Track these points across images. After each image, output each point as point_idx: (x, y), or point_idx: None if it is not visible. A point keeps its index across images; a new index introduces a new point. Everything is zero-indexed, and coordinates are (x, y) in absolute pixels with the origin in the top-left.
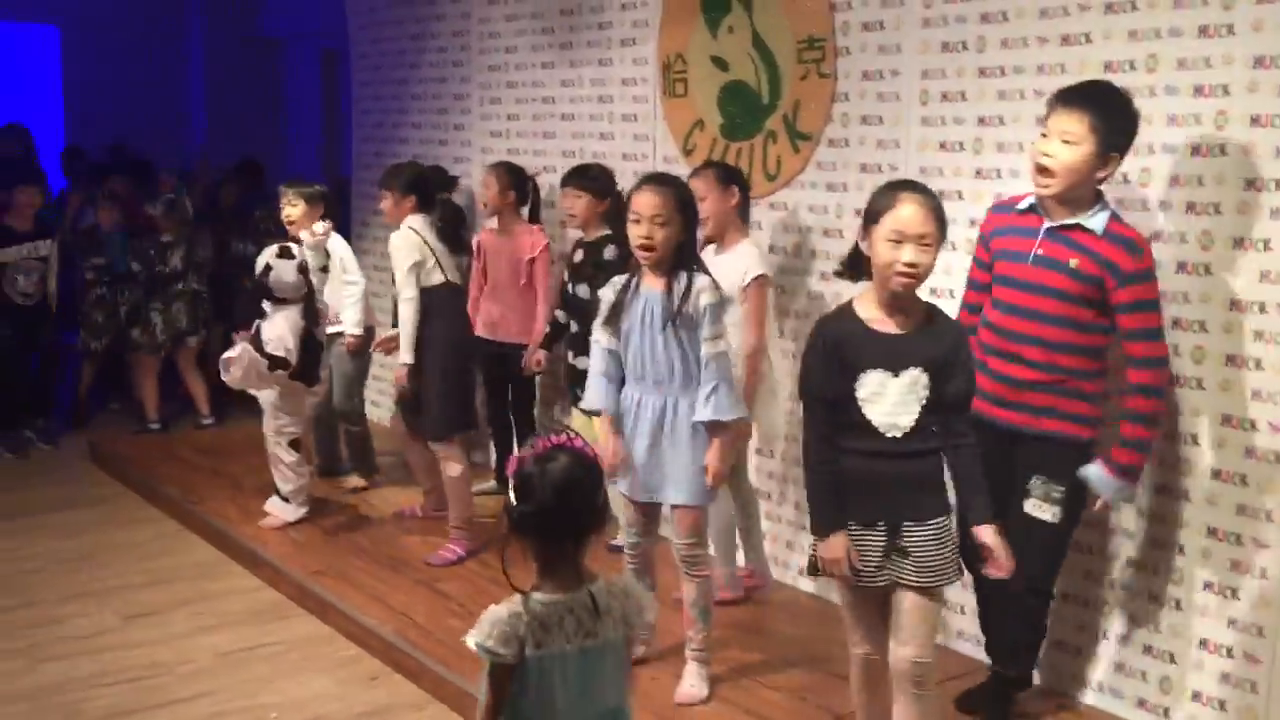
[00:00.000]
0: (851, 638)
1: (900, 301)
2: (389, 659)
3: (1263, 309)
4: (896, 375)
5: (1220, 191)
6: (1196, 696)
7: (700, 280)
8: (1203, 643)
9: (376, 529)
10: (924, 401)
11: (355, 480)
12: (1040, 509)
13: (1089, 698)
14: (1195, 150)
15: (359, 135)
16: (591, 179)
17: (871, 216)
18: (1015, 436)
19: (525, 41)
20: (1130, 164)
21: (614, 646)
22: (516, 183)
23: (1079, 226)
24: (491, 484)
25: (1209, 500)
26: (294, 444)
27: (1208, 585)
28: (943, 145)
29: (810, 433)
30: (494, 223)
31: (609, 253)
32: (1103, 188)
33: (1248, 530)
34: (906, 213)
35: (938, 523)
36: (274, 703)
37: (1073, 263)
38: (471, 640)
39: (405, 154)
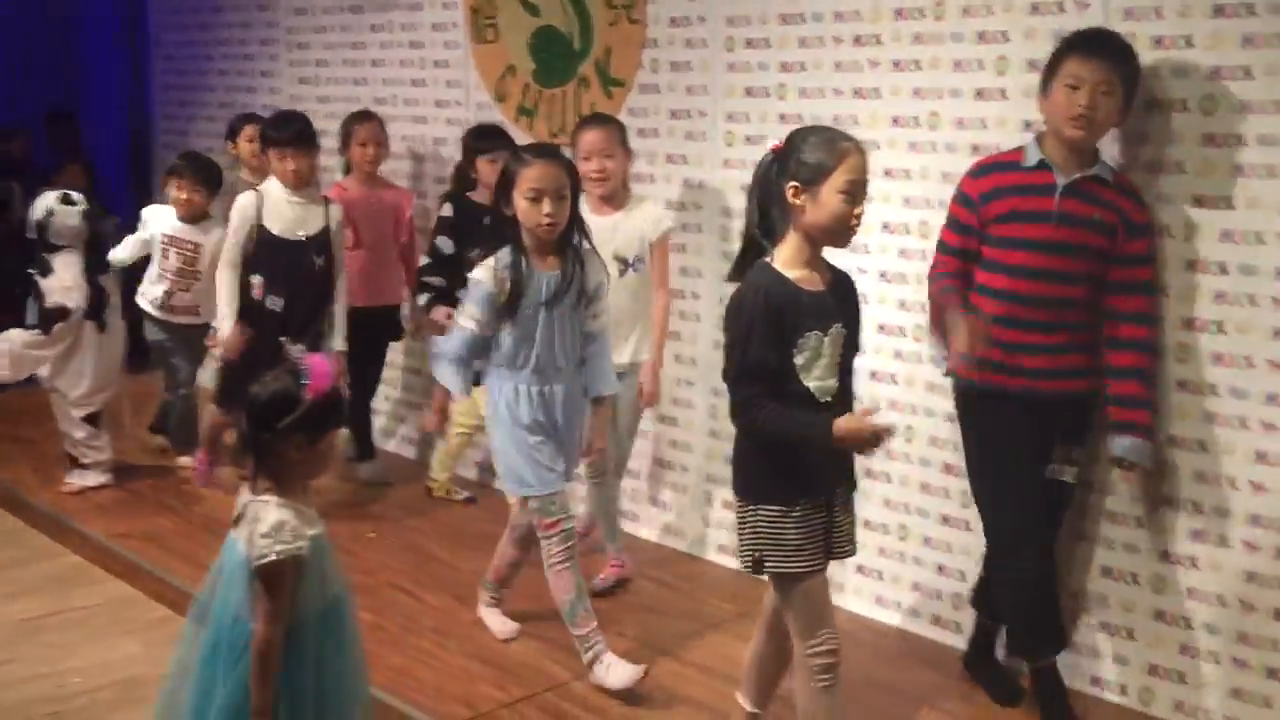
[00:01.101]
0: (816, 637)
1: (820, 256)
2: None
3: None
4: (826, 335)
5: (1001, 134)
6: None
7: (593, 258)
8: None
9: (186, 489)
10: (840, 360)
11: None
12: (1063, 473)
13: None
14: (978, 94)
15: (160, 82)
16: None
17: (813, 173)
18: (1042, 404)
19: None
20: (920, 107)
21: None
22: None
23: (1095, 179)
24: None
25: None
26: (91, 418)
27: (1165, 555)
28: (749, 91)
29: (755, 412)
30: (352, 179)
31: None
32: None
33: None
34: (858, 162)
35: (851, 487)
36: (78, 667)
37: (1096, 216)
38: (273, 550)
39: (210, 102)
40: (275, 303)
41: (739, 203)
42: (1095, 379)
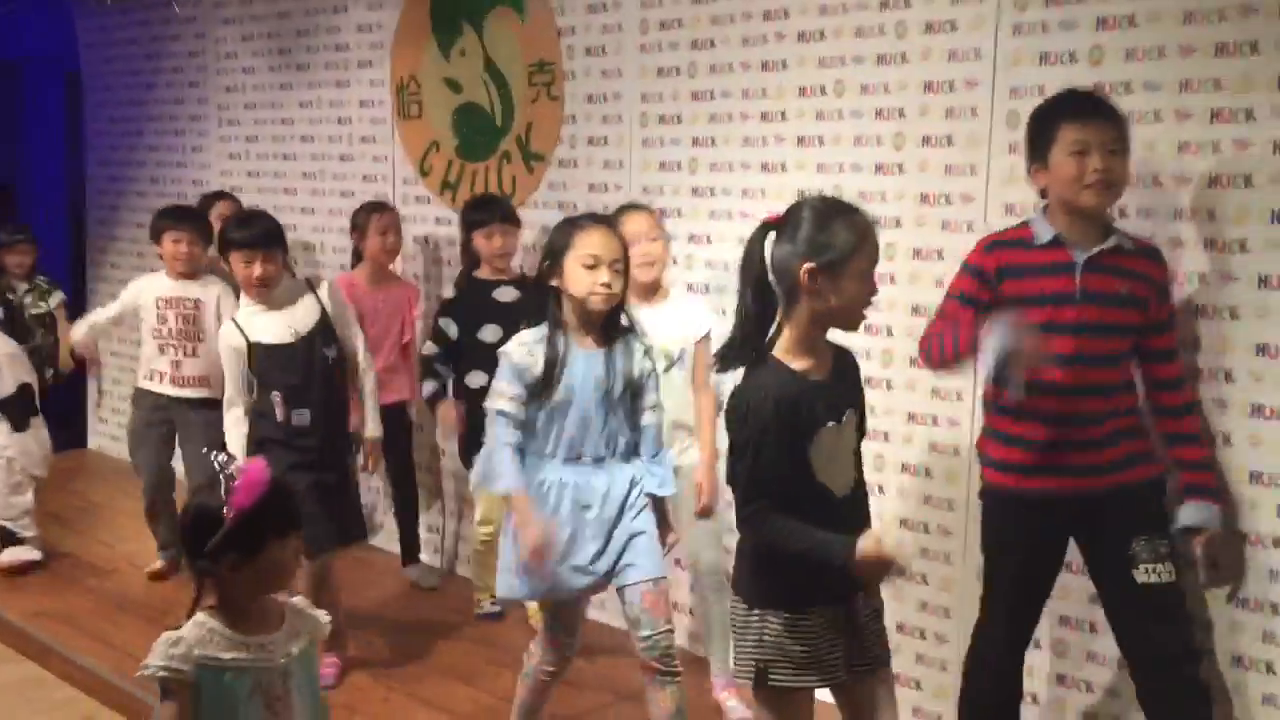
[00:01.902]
0: None
1: (824, 339)
2: (106, 698)
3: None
4: (841, 425)
5: (900, 207)
6: (896, 678)
7: (638, 341)
8: (899, 626)
9: (107, 573)
10: (854, 447)
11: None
12: (1155, 573)
13: None
14: (877, 168)
15: (94, 159)
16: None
17: (839, 255)
18: (1086, 506)
19: (262, 62)
20: (824, 181)
21: (295, 662)
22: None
23: (1117, 249)
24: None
25: (900, 492)
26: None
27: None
28: (662, 165)
29: (767, 526)
30: (361, 271)
31: (506, 294)
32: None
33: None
34: (877, 239)
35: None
36: None
37: (1124, 291)
38: (152, 666)
39: (141, 178)
40: (301, 416)
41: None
42: (1151, 462)
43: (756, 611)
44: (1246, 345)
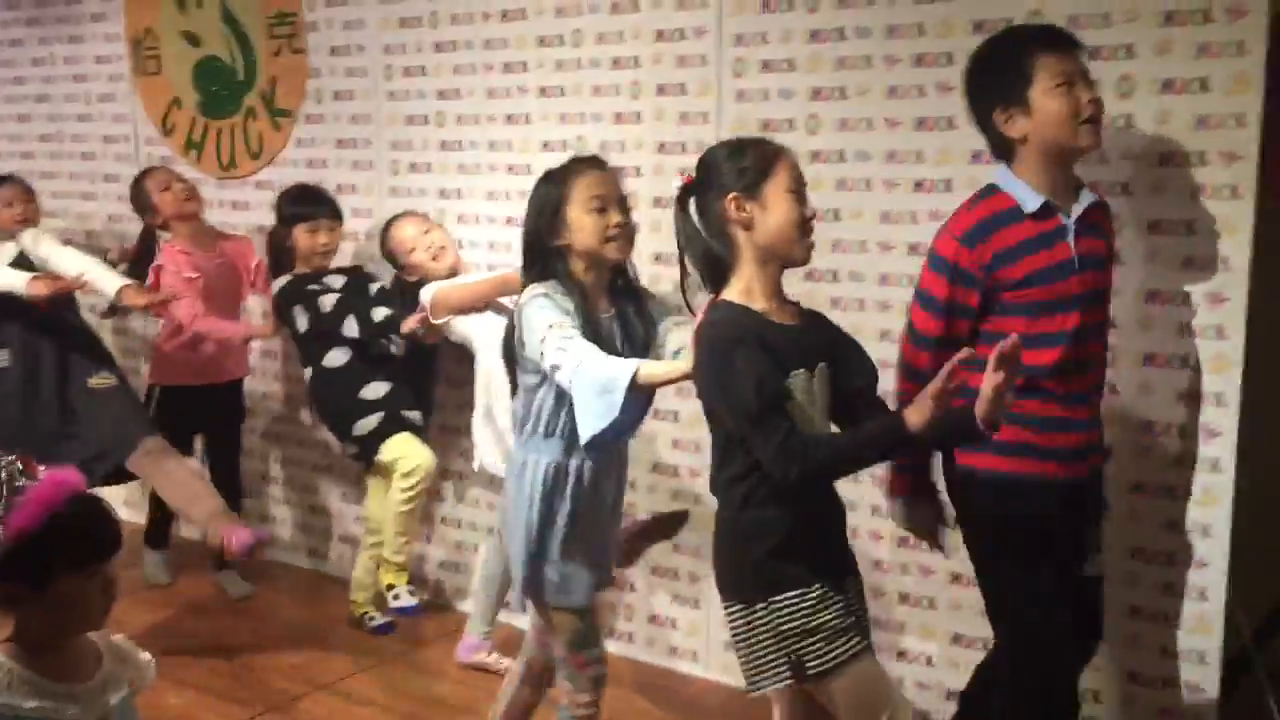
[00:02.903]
0: None
1: (781, 287)
2: None
3: None
4: (814, 374)
5: (639, 155)
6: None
7: (650, 299)
8: None
9: None
10: (827, 405)
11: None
12: (1097, 563)
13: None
14: (616, 118)
15: None
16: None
17: (754, 175)
18: (1077, 488)
19: None
20: (567, 132)
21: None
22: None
23: (1096, 205)
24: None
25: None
26: None
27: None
28: (409, 119)
29: (807, 449)
30: (178, 239)
31: (337, 281)
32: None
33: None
34: (794, 161)
35: (857, 576)
36: None
37: (1104, 251)
38: None
39: None
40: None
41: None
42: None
43: (760, 606)
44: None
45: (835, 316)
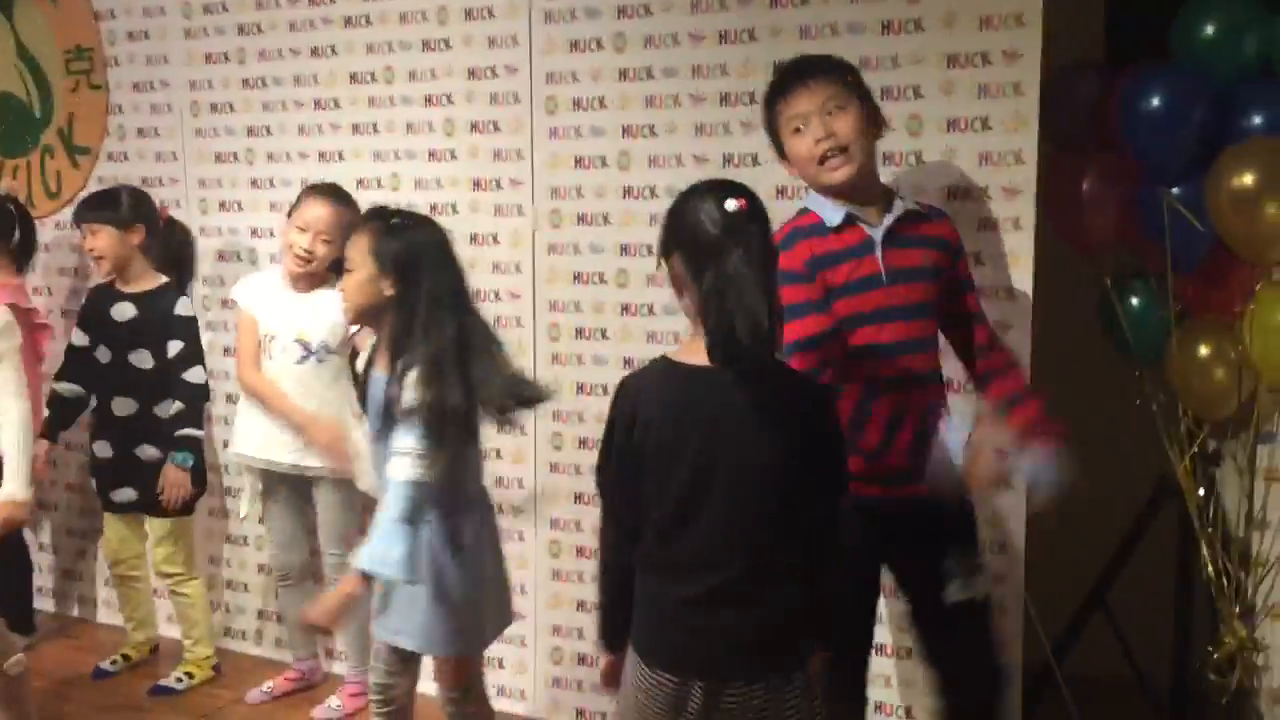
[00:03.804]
0: None
1: None
2: None
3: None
4: None
5: (454, 193)
6: None
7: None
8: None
9: None
10: None
11: None
12: (969, 588)
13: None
14: (430, 155)
15: None
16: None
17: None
18: (903, 512)
19: None
20: (380, 169)
21: None
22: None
23: (909, 216)
24: None
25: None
26: None
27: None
28: (218, 156)
29: None
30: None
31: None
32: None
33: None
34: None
35: None
36: None
37: (926, 263)
38: None
39: None
40: None
41: (215, 270)
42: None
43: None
44: None
45: (651, 350)
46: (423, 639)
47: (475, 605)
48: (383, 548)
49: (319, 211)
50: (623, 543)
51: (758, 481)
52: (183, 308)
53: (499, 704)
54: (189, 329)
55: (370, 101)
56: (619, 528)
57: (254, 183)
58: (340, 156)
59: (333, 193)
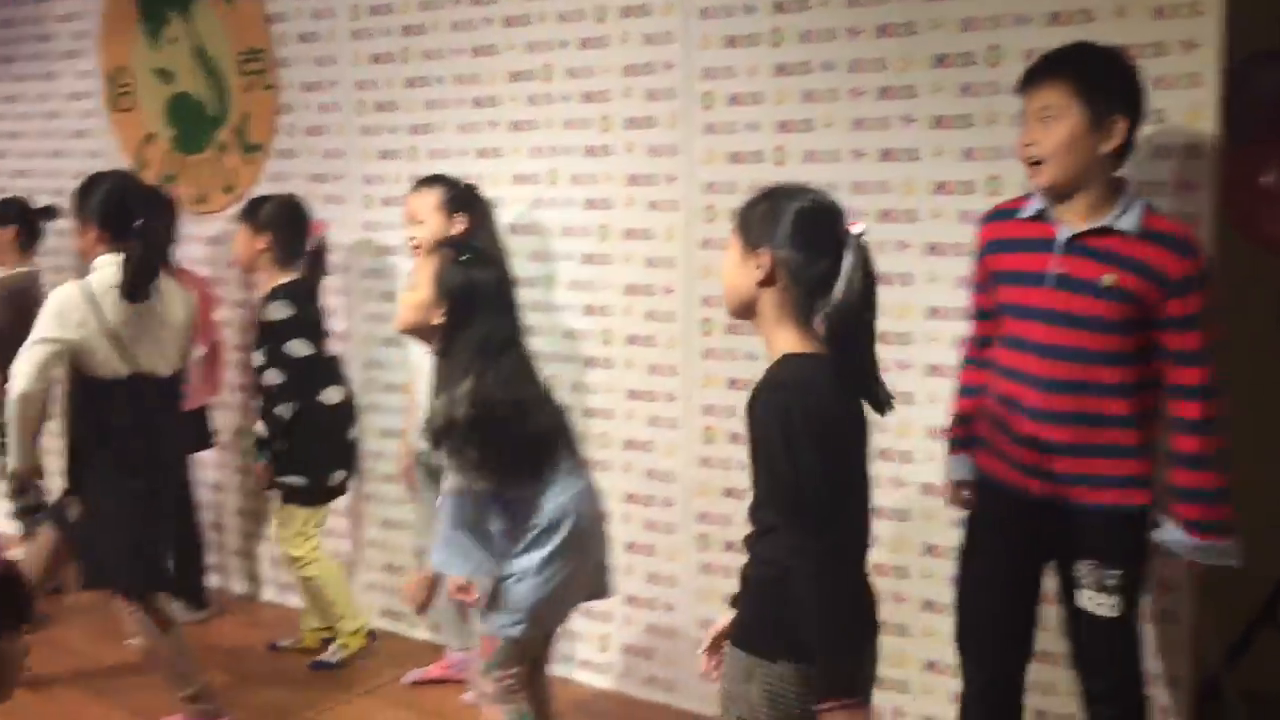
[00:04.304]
0: None
1: None
2: None
3: (650, 290)
4: None
5: (610, 188)
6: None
7: None
8: (631, 599)
9: None
10: None
11: None
12: (1097, 602)
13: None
14: (587, 151)
15: None
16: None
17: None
18: (1044, 509)
19: None
20: (538, 165)
21: None
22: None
23: (1108, 230)
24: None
25: (624, 468)
26: None
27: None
28: (383, 153)
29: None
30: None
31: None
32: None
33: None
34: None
35: None
36: None
37: (1106, 279)
38: None
39: None
40: None
41: (379, 264)
42: (1122, 488)
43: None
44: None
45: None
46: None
47: (540, 604)
48: (445, 552)
49: (412, 203)
50: (837, 545)
51: (866, 456)
52: (272, 311)
53: (654, 696)
54: (273, 332)
55: (529, 99)
56: (831, 527)
57: (415, 179)
58: (499, 153)
59: (422, 182)
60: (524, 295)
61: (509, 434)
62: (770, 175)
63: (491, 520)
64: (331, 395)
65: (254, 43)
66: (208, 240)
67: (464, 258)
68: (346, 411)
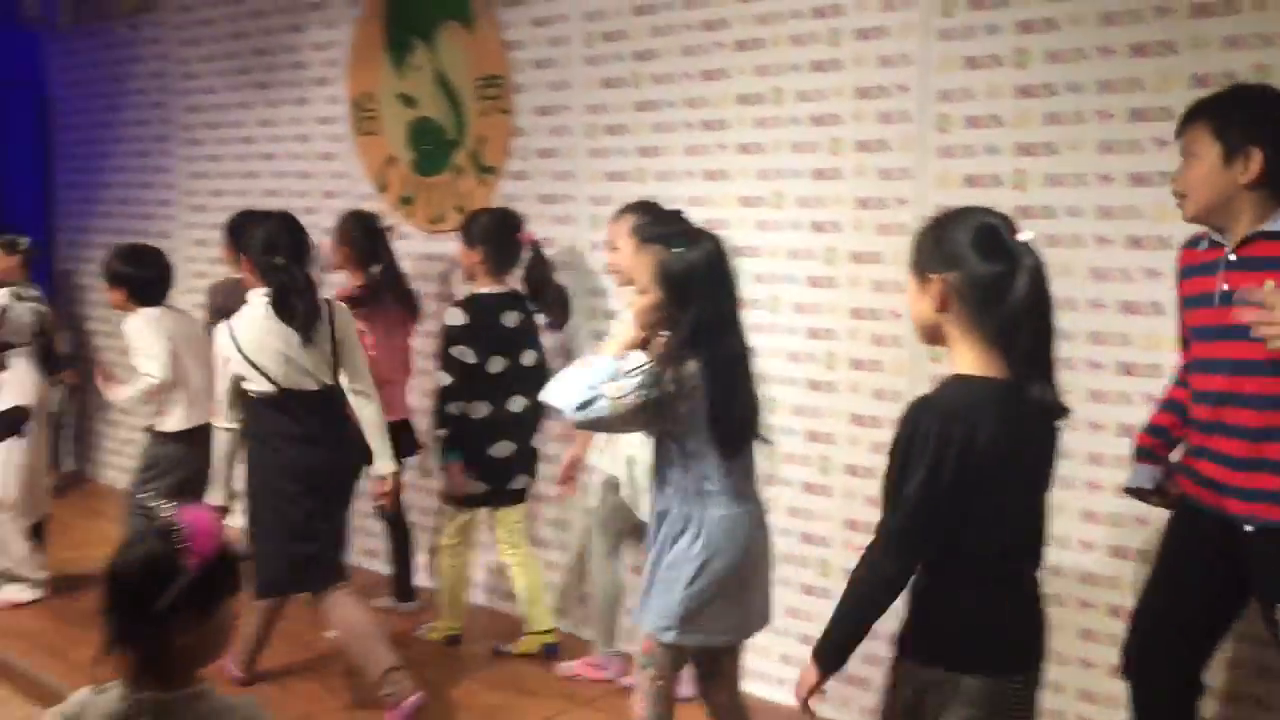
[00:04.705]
0: None
1: None
2: None
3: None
4: None
5: (838, 211)
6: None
7: None
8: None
9: (68, 590)
10: None
11: None
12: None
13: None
14: (816, 174)
15: (63, 181)
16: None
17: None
18: (1236, 528)
19: (223, 82)
20: (765, 188)
21: None
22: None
23: (1262, 235)
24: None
25: (846, 494)
26: (37, 530)
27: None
28: (610, 175)
29: None
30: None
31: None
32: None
33: None
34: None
35: None
36: None
37: (1269, 285)
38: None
39: (108, 199)
40: None
41: (605, 283)
42: None
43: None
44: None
45: None
46: (645, 616)
47: (705, 599)
48: (558, 388)
49: (611, 229)
50: (922, 555)
51: (1045, 475)
52: (449, 317)
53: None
54: (446, 337)
55: (758, 122)
56: (927, 542)
57: (642, 199)
58: (726, 175)
59: (621, 210)
60: (748, 317)
61: (715, 411)
62: (1009, 199)
63: (674, 466)
64: (480, 409)
65: (492, 69)
66: (440, 259)
67: (674, 247)
68: (499, 424)
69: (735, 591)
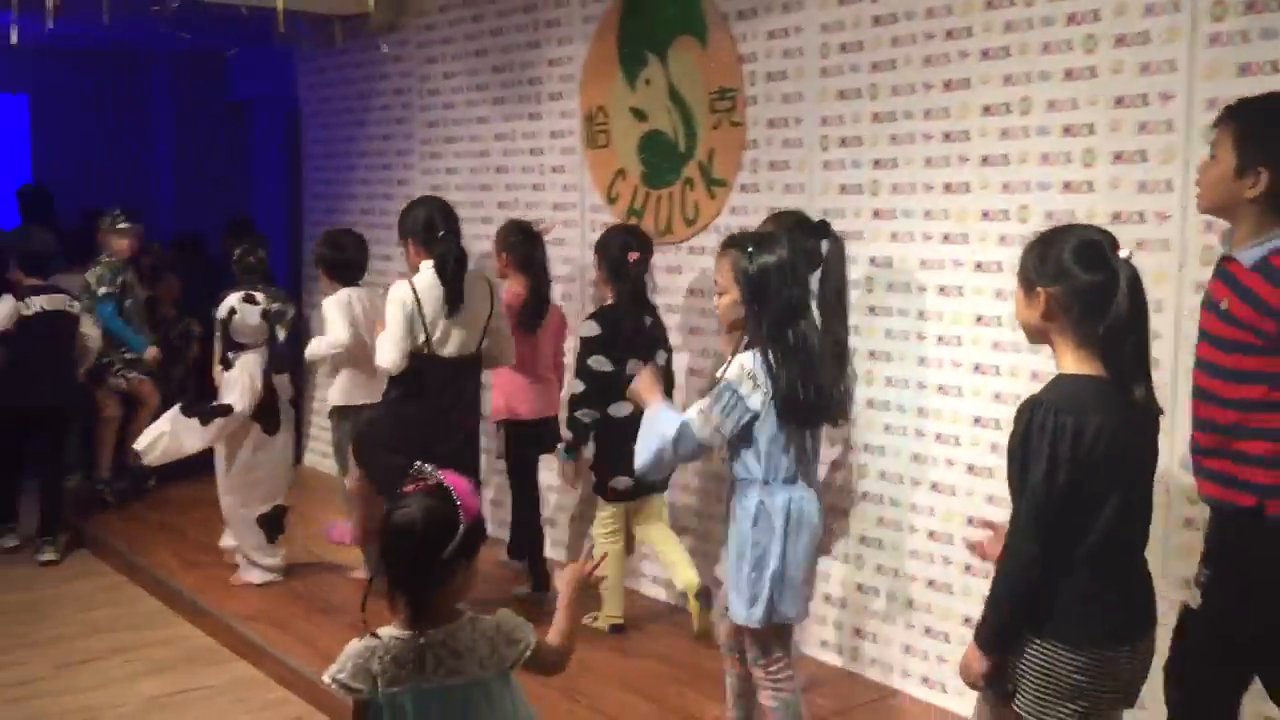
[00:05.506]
0: None
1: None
2: (314, 700)
3: None
4: None
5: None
6: None
7: None
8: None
9: (315, 576)
10: None
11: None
12: (1187, 590)
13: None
14: (1065, 186)
15: (310, 192)
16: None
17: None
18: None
19: (462, 98)
20: (1009, 201)
21: (484, 684)
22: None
23: (1233, 259)
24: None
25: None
26: (269, 520)
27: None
28: (843, 188)
29: None
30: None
31: (586, 329)
32: None
33: None
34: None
35: None
36: None
37: (1223, 304)
38: (326, 675)
39: (353, 209)
40: None
41: None
42: (1236, 490)
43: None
44: None
45: None
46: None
47: (774, 580)
48: (641, 445)
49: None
50: (1054, 544)
51: (1150, 467)
52: (582, 329)
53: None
54: (581, 347)
55: (1003, 133)
56: (1056, 524)
57: (876, 213)
58: (967, 188)
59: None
60: (978, 333)
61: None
62: None
63: (747, 450)
64: (622, 409)
65: (725, 82)
66: (666, 269)
67: (749, 249)
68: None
69: (808, 573)
